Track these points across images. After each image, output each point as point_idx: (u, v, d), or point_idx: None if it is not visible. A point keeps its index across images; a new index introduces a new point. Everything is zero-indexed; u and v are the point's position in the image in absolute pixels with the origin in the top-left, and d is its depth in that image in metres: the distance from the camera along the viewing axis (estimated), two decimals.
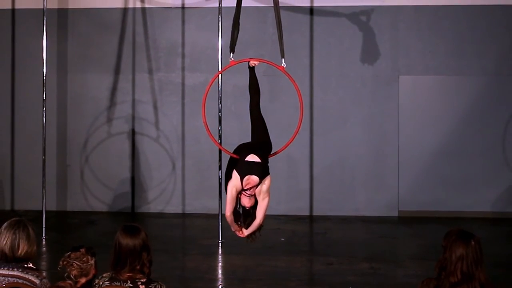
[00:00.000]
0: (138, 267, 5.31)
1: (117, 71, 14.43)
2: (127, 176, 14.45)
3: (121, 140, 14.44)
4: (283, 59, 8.39)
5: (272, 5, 12.84)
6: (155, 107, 14.42)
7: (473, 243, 5.13)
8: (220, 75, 12.02)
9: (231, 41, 8.53)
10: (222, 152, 11.92)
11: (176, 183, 14.41)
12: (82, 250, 5.65)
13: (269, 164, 7.82)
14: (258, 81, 8.21)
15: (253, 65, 8.20)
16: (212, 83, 8.39)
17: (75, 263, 5.59)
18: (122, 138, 14.44)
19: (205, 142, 14.14)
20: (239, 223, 7.67)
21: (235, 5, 13.62)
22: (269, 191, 7.56)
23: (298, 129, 8.11)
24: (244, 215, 7.64)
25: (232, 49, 8.47)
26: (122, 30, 14.41)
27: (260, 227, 7.73)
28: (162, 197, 14.42)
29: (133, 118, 14.44)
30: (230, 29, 13.15)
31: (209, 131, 8.19)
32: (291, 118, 14.06)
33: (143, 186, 14.46)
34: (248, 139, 8.31)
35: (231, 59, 8.39)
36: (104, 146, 14.44)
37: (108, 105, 14.47)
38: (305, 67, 14.13)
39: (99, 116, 14.47)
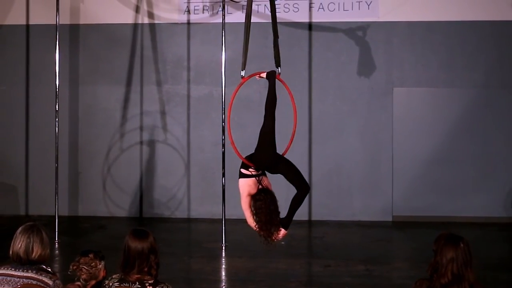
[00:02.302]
0: (146, 269, 5.31)
1: (126, 83, 14.45)
2: (135, 183, 14.46)
3: (130, 149, 14.46)
4: (279, 67, 8.65)
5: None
6: (162, 118, 14.43)
7: (462, 245, 5.14)
8: (224, 88, 12.05)
9: (243, 60, 8.76)
10: (226, 160, 11.98)
11: (182, 190, 14.42)
12: (91, 255, 5.67)
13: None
14: (273, 92, 8.27)
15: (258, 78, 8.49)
16: (233, 97, 8.42)
17: (84, 268, 5.61)
18: (131, 147, 14.46)
19: (209, 151, 14.17)
20: None
21: (239, 22, 13.81)
22: (241, 193, 7.90)
23: (294, 131, 8.20)
24: None
25: (243, 67, 8.69)
26: (131, 44, 14.44)
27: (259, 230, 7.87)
28: (169, 203, 14.43)
29: (142, 128, 14.46)
30: (233, 43, 13.30)
31: (232, 140, 8.23)
32: (291, 128, 14.06)
33: (150, 193, 14.46)
34: (249, 147, 8.34)
35: (242, 76, 8.60)
36: (114, 154, 14.46)
37: (117, 116, 14.49)
38: (304, 79, 14.15)
39: (109, 126, 14.49)
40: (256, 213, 7.72)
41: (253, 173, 7.85)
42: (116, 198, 14.44)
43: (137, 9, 14.38)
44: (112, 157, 14.46)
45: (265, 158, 7.99)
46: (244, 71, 8.68)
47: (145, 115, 14.46)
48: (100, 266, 5.65)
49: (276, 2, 13.84)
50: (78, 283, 5.59)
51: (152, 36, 14.42)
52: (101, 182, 14.48)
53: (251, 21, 9.06)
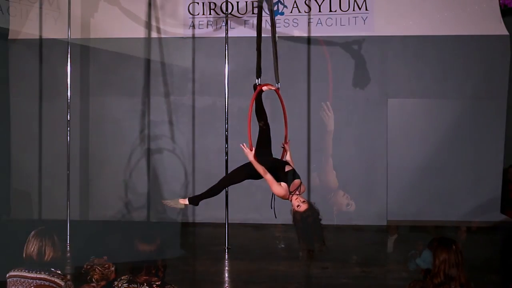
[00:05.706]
0: (153, 271, 5.31)
1: (134, 94, 14.45)
2: (143, 189, 14.45)
3: (138, 157, 14.45)
4: (278, 83, 8.74)
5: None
6: (169, 127, 14.43)
7: (454, 247, 5.15)
8: (227, 99, 12.08)
9: (257, 68, 8.74)
10: (229, 167, 11.96)
11: (187, 195, 14.40)
12: (105, 257, 5.68)
13: None
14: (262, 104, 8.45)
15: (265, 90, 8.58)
16: (252, 105, 8.55)
17: (98, 268, 5.61)
18: (138, 155, 14.45)
19: (213, 158, 14.16)
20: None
21: (241, 36, 13.82)
22: None
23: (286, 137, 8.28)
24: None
25: (258, 75, 8.67)
26: (139, 57, 14.44)
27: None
28: (175, 208, 14.39)
29: (149, 137, 14.46)
30: (236, 57, 13.31)
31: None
32: (291, 136, 14.06)
33: (157, 198, 14.44)
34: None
35: (258, 84, 8.64)
36: (123, 162, 14.45)
37: (126, 125, 14.48)
38: (303, 91, 14.14)
39: (118, 135, 14.49)
40: None
41: None
42: (124, 203, 14.42)
43: (144, 24, 14.39)
44: (121, 164, 14.45)
45: None
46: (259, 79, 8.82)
47: (152, 124, 14.45)
48: (112, 268, 5.67)
49: (276, 18, 13.98)
50: (93, 284, 5.61)
51: (158, 50, 14.43)
52: (110, 188, 14.46)
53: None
